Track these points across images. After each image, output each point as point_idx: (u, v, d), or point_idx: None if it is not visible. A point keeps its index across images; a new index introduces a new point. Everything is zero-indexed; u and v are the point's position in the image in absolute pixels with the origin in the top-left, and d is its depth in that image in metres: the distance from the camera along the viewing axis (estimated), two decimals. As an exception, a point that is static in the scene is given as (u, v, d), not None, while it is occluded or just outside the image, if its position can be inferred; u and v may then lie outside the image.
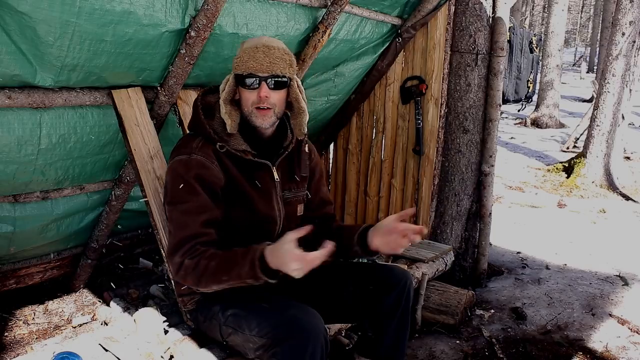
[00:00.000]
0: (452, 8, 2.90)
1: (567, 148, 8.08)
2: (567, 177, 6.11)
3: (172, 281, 1.81)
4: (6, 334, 2.41)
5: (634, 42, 5.46)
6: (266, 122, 1.59)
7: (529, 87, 9.57)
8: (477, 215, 3.17)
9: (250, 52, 1.53)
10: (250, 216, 1.63)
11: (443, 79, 2.97)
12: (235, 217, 1.62)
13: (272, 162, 1.66)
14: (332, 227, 1.85)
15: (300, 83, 1.65)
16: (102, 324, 2.47)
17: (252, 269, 1.38)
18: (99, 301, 2.72)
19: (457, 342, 2.54)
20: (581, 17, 40.59)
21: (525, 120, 10.82)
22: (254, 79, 1.54)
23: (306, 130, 1.71)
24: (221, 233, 1.57)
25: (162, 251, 1.92)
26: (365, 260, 2.63)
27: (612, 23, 5.60)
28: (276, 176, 1.67)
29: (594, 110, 5.85)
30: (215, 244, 1.51)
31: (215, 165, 1.56)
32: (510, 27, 7.10)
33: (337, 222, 1.93)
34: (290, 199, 1.74)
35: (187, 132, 1.80)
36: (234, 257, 1.43)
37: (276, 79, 1.55)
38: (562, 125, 10.49)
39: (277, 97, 1.57)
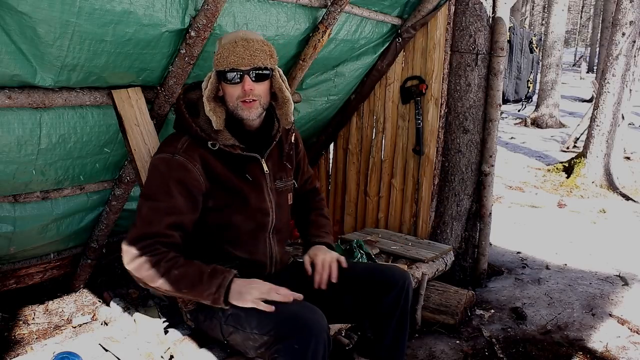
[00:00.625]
0: (452, 8, 2.90)
1: (567, 148, 8.08)
2: (567, 177, 6.10)
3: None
4: (6, 334, 2.41)
5: (634, 42, 5.46)
6: (253, 114, 1.59)
7: (529, 87, 9.56)
8: (477, 215, 3.17)
9: (229, 47, 1.53)
10: (243, 210, 1.64)
11: (443, 79, 2.97)
12: (229, 213, 1.63)
13: (261, 155, 1.67)
14: (309, 208, 1.94)
15: (282, 73, 1.66)
16: (102, 324, 2.47)
17: (217, 293, 1.44)
18: (99, 301, 2.72)
19: (457, 342, 2.54)
20: (581, 17, 40.57)
21: (525, 120, 10.82)
22: (236, 73, 1.53)
23: (292, 118, 1.72)
24: (190, 237, 1.58)
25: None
26: (365, 260, 2.64)
27: (612, 23, 5.60)
28: (266, 168, 1.69)
29: (594, 110, 5.85)
30: (176, 248, 1.51)
31: (197, 168, 1.56)
32: (510, 27, 7.09)
33: (317, 199, 1.99)
34: (282, 189, 1.76)
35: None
36: (200, 275, 1.46)
37: (258, 72, 1.55)
38: (562, 125, 10.49)
39: (261, 89, 1.57)
